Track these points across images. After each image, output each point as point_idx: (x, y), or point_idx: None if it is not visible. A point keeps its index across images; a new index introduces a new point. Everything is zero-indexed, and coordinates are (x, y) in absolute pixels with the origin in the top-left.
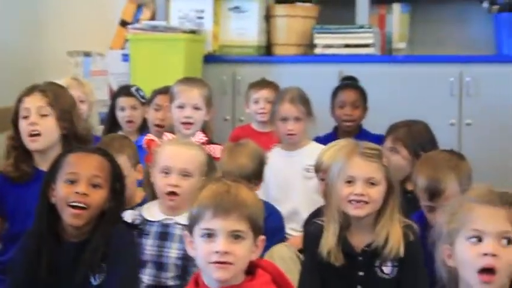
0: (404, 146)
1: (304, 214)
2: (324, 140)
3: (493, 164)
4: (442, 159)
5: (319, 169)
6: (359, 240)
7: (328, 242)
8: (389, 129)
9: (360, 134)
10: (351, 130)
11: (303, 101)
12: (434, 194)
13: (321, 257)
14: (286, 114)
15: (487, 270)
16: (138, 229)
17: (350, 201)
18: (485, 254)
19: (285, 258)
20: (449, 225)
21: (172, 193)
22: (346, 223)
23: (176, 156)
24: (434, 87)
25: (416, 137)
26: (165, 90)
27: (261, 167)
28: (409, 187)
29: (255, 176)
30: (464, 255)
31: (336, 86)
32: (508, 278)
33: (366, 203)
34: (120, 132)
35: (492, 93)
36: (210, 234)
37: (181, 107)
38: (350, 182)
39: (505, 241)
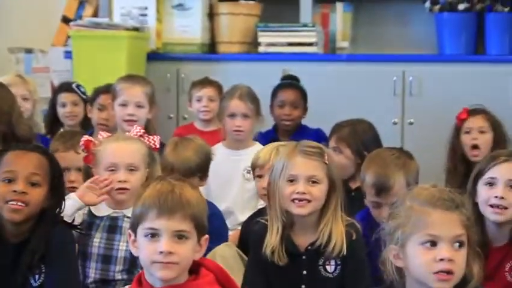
0: (347, 146)
1: (238, 215)
2: (263, 136)
3: (434, 162)
4: (391, 157)
5: (256, 165)
6: (303, 239)
7: (272, 241)
8: (333, 129)
9: (299, 131)
10: (289, 129)
11: (252, 98)
12: (382, 190)
13: (265, 256)
14: (234, 110)
15: (446, 271)
16: (79, 229)
17: (293, 200)
18: (442, 259)
19: (227, 257)
20: (401, 229)
21: (122, 188)
22: (289, 222)
23: (120, 152)
24: (377, 86)
25: (360, 137)
26: (108, 90)
27: (207, 162)
28: (353, 186)
29: (200, 171)
30: (418, 259)
31: (275, 85)
32: (461, 277)
33: (309, 201)
34: (62, 129)
35: (434, 92)
36: (153, 234)
37: (123, 104)
38: (292, 181)
39: (457, 244)
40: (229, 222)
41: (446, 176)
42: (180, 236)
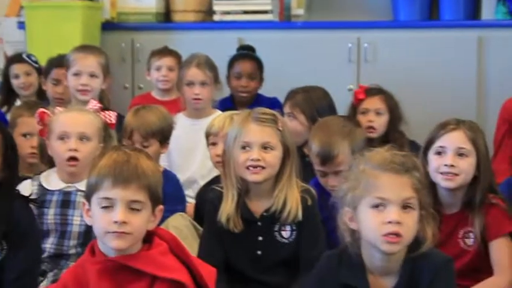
0: (301, 112)
1: (202, 182)
2: (220, 104)
3: None
4: (336, 125)
5: (210, 133)
6: (258, 206)
7: (227, 209)
8: (287, 96)
9: (256, 101)
10: (246, 100)
11: (210, 66)
12: (326, 159)
13: (221, 224)
14: (192, 79)
15: (394, 233)
16: (36, 202)
17: (247, 167)
18: (390, 222)
19: (180, 227)
20: (352, 192)
21: (73, 158)
22: (244, 189)
23: (73, 121)
24: (333, 53)
25: (314, 103)
26: (61, 63)
27: (169, 129)
28: (308, 152)
29: (161, 135)
30: (368, 221)
31: (232, 56)
32: (411, 239)
33: (263, 168)
34: (18, 100)
35: (389, 58)
36: (108, 204)
37: (77, 74)
38: (246, 148)
39: (406, 207)
40: (192, 191)
41: None
42: (134, 206)
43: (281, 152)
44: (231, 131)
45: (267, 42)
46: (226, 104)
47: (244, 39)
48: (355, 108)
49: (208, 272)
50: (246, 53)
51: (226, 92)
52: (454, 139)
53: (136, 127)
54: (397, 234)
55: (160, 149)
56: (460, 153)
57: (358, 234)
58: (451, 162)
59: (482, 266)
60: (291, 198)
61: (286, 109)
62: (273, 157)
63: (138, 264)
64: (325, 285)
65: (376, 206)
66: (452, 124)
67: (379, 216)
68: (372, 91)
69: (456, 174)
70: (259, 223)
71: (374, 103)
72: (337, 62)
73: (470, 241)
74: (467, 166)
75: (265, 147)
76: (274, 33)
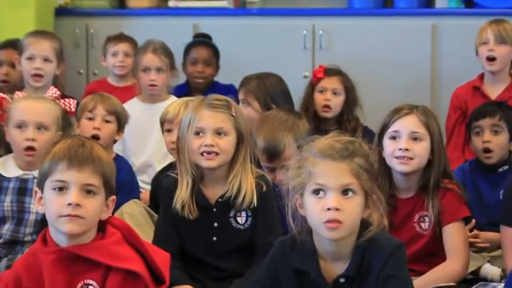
0: (255, 98)
1: (157, 167)
2: (176, 90)
3: None
4: (278, 120)
5: (165, 120)
6: (213, 192)
7: (182, 195)
8: (241, 82)
9: (211, 87)
10: (202, 86)
11: (166, 52)
12: (273, 155)
13: (176, 210)
14: (148, 64)
15: (333, 220)
16: None
17: (201, 153)
18: (329, 209)
19: (135, 214)
20: (297, 179)
21: (30, 148)
22: (199, 176)
23: (31, 110)
24: (288, 40)
25: (268, 90)
26: (7, 45)
27: (126, 118)
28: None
29: (119, 121)
30: (310, 208)
31: (188, 43)
32: (355, 225)
33: (217, 153)
34: None
35: (344, 46)
36: (62, 187)
37: (30, 58)
38: (199, 133)
39: (346, 193)
40: (147, 176)
41: None
42: (88, 190)
43: (235, 138)
44: (184, 117)
45: (222, 29)
46: (182, 91)
47: (199, 26)
48: (313, 86)
49: (162, 258)
50: (202, 39)
51: (182, 78)
52: (408, 123)
53: (101, 101)
54: (337, 221)
55: (115, 133)
56: (414, 137)
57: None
58: (405, 146)
59: (436, 250)
60: (246, 184)
61: (241, 96)
62: (227, 143)
63: (91, 254)
64: (277, 270)
65: (317, 193)
66: (405, 109)
67: (320, 203)
68: (331, 71)
69: (411, 158)
70: (214, 209)
71: (332, 83)
72: (292, 49)
73: (425, 225)
74: (421, 150)
75: (218, 132)
76: (229, 20)
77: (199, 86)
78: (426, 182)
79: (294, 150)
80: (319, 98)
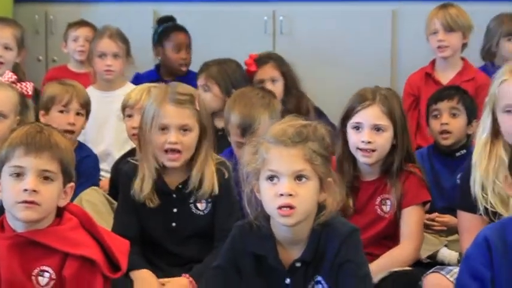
0: (216, 83)
1: (116, 155)
2: (145, 77)
3: None
4: (255, 97)
5: (126, 105)
6: (173, 178)
7: (142, 181)
8: (201, 68)
9: (185, 75)
10: (181, 73)
11: (122, 38)
12: (247, 130)
13: (135, 196)
14: (104, 50)
15: (286, 206)
16: None
17: (165, 150)
18: (282, 194)
19: (94, 201)
20: (251, 166)
21: None
22: (160, 165)
23: None
24: (248, 26)
25: (229, 75)
26: None
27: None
28: (219, 125)
29: (87, 110)
30: (265, 194)
31: (165, 28)
32: (309, 210)
33: (180, 152)
34: None
35: (305, 31)
36: (19, 173)
37: None
38: (164, 129)
39: (298, 179)
40: (107, 164)
41: None
42: (46, 176)
43: (198, 132)
44: (148, 108)
45: (182, 15)
46: (152, 76)
47: (159, 12)
48: (251, 81)
49: (121, 246)
50: (177, 24)
51: (146, 64)
52: (370, 115)
53: (76, 95)
54: (289, 207)
55: (85, 123)
56: (377, 129)
57: None
58: (367, 138)
59: (394, 234)
60: (207, 175)
61: (201, 81)
62: (191, 139)
63: (48, 240)
64: (236, 254)
65: (271, 179)
66: (368, 99)
67: (273, 189)
68: (262, 60)
69: (373, 150)
70: (174, 195)
71: (267, 72)
72: (253, 35)
73: (386, 208)
74: (383, 142)
75: (183, 129)
76: (189, 5)
77: (180, 74)
78: (389, 166)
79: (267, 127)
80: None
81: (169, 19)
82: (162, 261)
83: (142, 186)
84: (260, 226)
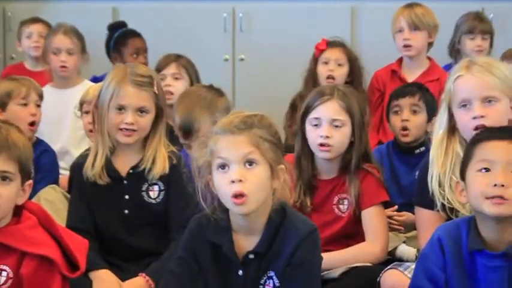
0: (187, 74)
1: (74, 153)
2: (102, 79)
3: (265, 96)
4: (197, 98)
5: (84, 101)
6: (124, 164)
7: (94, 166)
8: (168, 58)
9: None
10: None
11: (77, 35)
12: (188, 132)
13: (87, 182)
14: (59, 46)
15: (238, 193)
16: None
17: (121, 129)
18: (233, 181)
19: (52, 199)
20: (202, 159)
21: None
22: (112, 147)
23: None
24: (208, 23)
25: (194, 68)
26: None
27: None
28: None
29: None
30: (217, 183)
31: (122, 33)
32: (262, 197)
33: (135, 130)
34: None
35: (264, 28)
36: None
37: None
38: (121, 109)
39: (249, 164)
40: (65, 162)
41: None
42: (4, 177)
43: (154, 114)
44: (106, 85)
45: (141, 13)
46: None
47: (118, 10)
48: (316, 60)
49: (79, 245)
50: (133, 30)
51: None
52: (329, 110)
53: (34, 87)
54: (241, 195)
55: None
56: (335, 125)
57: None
58: (326, 133)
59: (354, 233)
60: (160, 157)
61: (172, 69)
62: (147, 121)
63: (5, 239)
64: (194, 244)
65: (222, 168)
66: (326, 94)
67: (225, 177)
68: (334, 43)
69: (332, 145)
70: (125, 181)
71: (335, 53)
72: (212, 32)
73: (344, 207)
74: (341, 137)
75: (140, 111)
76: (149, 3)
77: None
78: (347, 164)
79: (210, 128)
80: (322, 70)
81: (121, 25)
82: (118, 256)
83: (95, 163)
84: (218, 219)
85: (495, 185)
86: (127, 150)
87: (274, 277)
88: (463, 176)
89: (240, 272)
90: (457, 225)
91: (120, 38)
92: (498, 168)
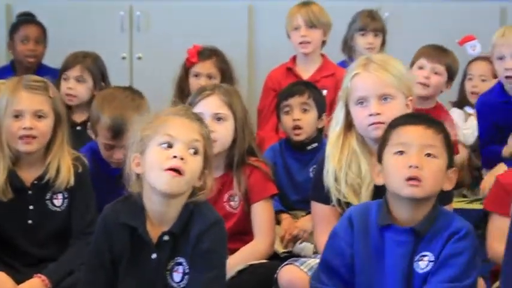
0: (91, 76)
1: None
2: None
3: (163, 95)
4: (126, 99)
5: None
6: (28, 174)
7: None
8: (74, 59)
9: (39, 71)
10: (31, 66)
11: None
12: (119, 133)
13: None
14: None
15: (175, 170)
16: None
17: (20, 137)
18: (175, 157)
19: None
20: (143, 132)
21: None
22: (14, 158)
23: None
24: (105, 21)
25: (100, 68)
26: None
27: None
28: (79, 119)
29: None
30: (153, 158)
31: (15, 21)
32: (192, 181)
33: (34, 137)
34: None
35: (162, 27)
36: None
37: None
38: (18, 116)
39: (192, 150)
40: None
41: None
42: None
43: (53, 120)
44: (1, 97)
45: (37, 10)
46: (7, 73)
47: (13, 6)
48: (187, 71)
49: None
50: (31, 18)
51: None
52: (210, 104)
53: None
54: (178, 171)
55: None
56: (218, 118)
57: (143, 178)
58: (210, 128)
59: (247, 228)
60: (64, 166)
61: (75, 72)
62: (46, 126)
63: None
64: (108, 230)
65: (164, 144)
66: (208, 89)
67: (164, 154)
68: (204, 54)
69: (215, 140)
70: (29, 192)
71: (206, 67)
72: (109, 31)
73: (235, 204)
74: (224, 131)
75: (38, 115)
76: (45, 1)
77: (29, 66)
78: (231, 160)
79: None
80: (193, 83)
81: (27, 15)
82: (19, 262)
83: None
84: (135, 200)
85: (410, 167)
86: (30, 160)
87: (184, 263)
88: (380, 158)
89: (154, 256)
90: (367, 205)
91: (14, 26)
92: (413, 151)
